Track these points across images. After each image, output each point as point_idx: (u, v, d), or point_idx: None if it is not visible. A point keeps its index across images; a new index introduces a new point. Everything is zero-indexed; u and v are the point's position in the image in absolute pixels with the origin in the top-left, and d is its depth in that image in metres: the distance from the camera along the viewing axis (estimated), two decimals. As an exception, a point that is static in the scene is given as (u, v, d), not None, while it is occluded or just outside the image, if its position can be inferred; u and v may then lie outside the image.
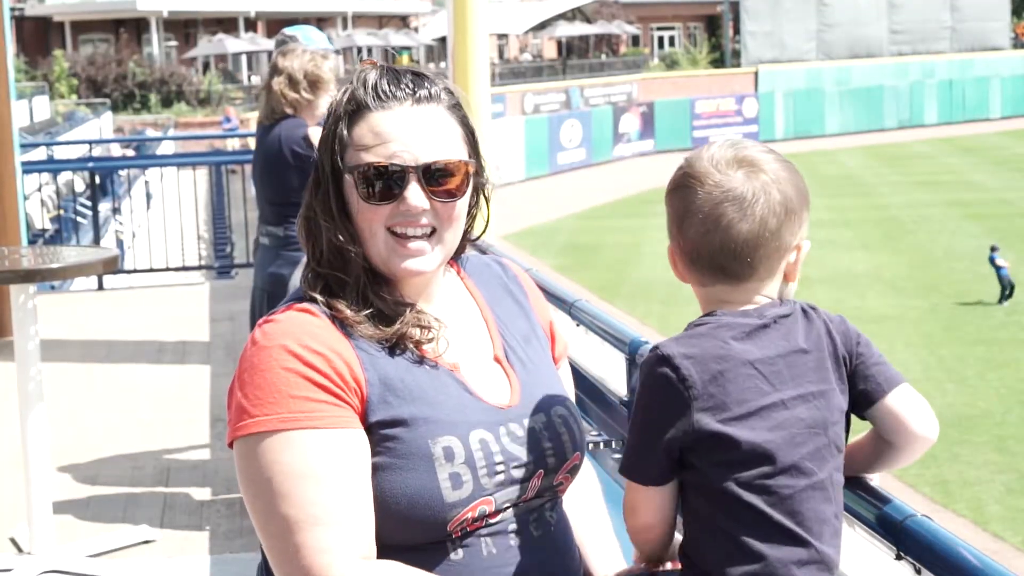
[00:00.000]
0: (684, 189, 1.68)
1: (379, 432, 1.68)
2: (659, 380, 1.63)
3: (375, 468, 1.67)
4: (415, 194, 1.72)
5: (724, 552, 1.64)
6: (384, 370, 1.70)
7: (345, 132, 1.74)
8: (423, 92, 1.75)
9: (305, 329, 1.69)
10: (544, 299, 2.01)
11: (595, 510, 1.98)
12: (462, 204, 1.77)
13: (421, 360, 1.74)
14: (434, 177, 1.73)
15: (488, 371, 1.80)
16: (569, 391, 1.94)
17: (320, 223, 1.74)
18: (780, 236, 1.66)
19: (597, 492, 2.01)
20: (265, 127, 4.72)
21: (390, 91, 1.74)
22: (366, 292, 1.74)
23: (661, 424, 1.63)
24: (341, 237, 1.73)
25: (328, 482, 1.63)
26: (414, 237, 1.73)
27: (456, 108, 1.78)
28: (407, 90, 1.74)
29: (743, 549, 1.63)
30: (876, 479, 1.91)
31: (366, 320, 1.72)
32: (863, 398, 1.74)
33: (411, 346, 1.73)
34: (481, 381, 1.77)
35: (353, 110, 1.74)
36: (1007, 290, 21.63)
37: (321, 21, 53.53)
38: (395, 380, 1.70)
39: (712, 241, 1.66)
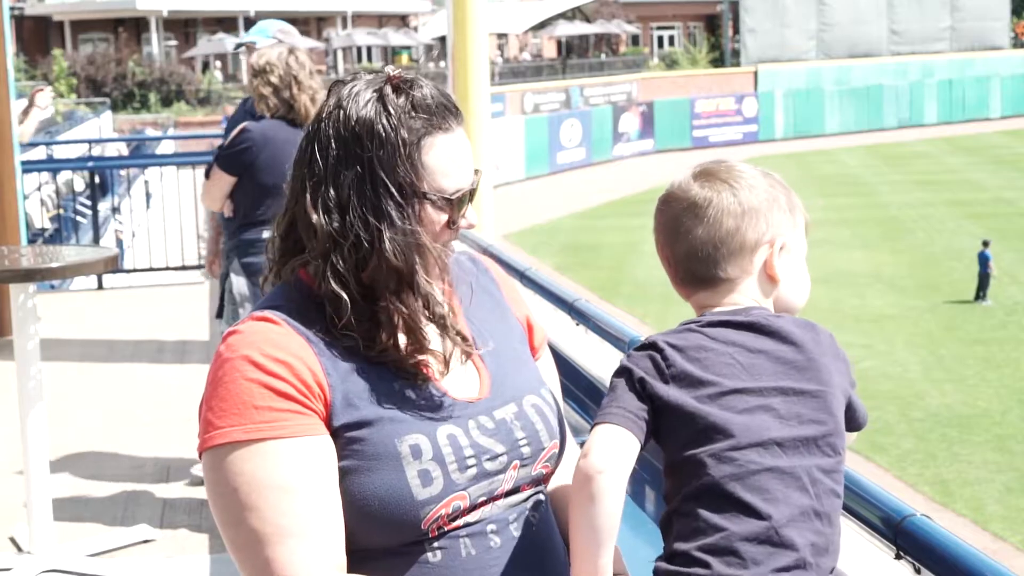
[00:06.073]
0: (657, 214, 1.83)
1: (344, 435, 1.67)
2: (643, 357, 1.71)
3: (343, 472, 1.66)
4: (471, 212, 1.79)
5: (688, 528, 1.63)
6: (347, 373, 1.69)
7: (416, 155, 1.71)
8: (461, 113, 1.79)
9: (267, 338, 1.68)
10: (518, 290, 2.01)
11: None
12: None
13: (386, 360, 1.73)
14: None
15: (456, 366, 1.79)
16: (550, 380, 1.92)
17: (381, 233, 1.69)
18: (741, 234, 1.74)
19: None
20: (280, 125, 4.75)
21: (450, 111, 1.75)
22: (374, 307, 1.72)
23: (641, 385, 1.68)
24: (404, 246, 1.71)
25: (295, 492, 1.62)
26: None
27: None
28: (455, 110, 1.77)
29: (701, 522, 1.62)
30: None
31: (363, 334, 1.70)
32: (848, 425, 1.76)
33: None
34: (449, 376, 1.76)
35: (424, 133, 1.72)
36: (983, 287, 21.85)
37: (321, 20, 53.56)
38: (359, 382, 1.69)
39: (679, 251, 1.78)
